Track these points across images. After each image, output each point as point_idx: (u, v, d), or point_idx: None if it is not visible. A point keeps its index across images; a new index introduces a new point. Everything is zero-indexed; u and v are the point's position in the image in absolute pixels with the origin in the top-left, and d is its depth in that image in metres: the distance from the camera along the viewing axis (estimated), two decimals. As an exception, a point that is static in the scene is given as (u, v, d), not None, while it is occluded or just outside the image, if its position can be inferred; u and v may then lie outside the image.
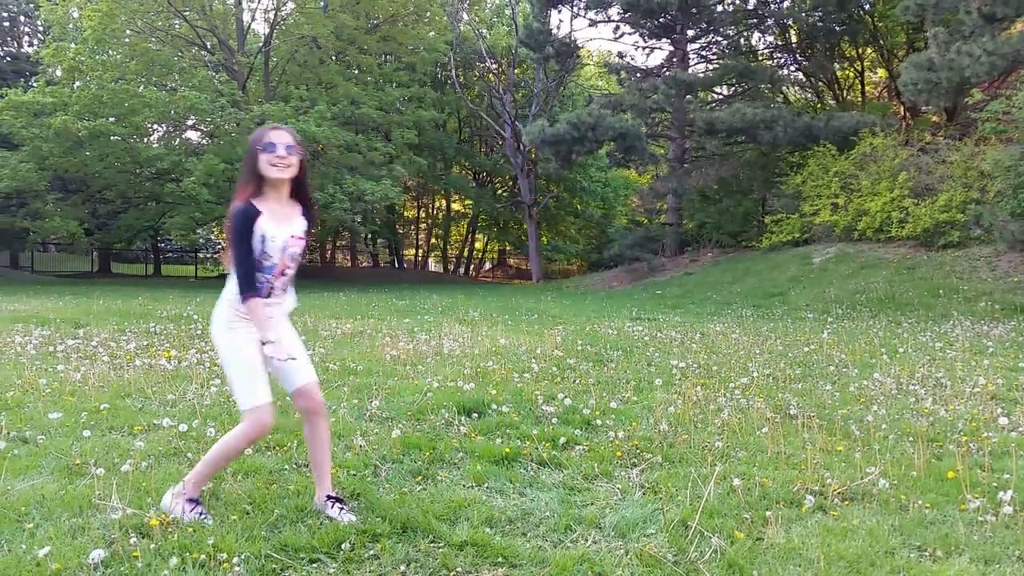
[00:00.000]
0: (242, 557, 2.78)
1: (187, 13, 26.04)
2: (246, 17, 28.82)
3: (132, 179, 26.99)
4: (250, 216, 3.04)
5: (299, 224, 3.18)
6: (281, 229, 3.09)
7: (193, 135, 30.02)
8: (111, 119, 24.35)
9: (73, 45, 25.86)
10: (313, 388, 3.26)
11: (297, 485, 3.56)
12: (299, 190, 3.20)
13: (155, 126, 28.23)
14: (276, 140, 3.05)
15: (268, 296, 3.13)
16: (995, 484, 3.65)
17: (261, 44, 28.46)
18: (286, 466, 3.87)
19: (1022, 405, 5.46)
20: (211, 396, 5.41)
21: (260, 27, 31.26)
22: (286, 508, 3.27)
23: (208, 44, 27.59)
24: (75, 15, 27.80)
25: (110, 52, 26.60)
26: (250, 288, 3.01)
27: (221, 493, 3.43)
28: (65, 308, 12.81)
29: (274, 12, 27.77)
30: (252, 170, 3.08)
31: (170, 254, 41.55)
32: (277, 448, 4.17)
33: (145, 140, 27.19)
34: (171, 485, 3.40)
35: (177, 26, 26.97)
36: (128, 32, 26.23)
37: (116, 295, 17.09)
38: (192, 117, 26.72)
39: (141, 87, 25.94)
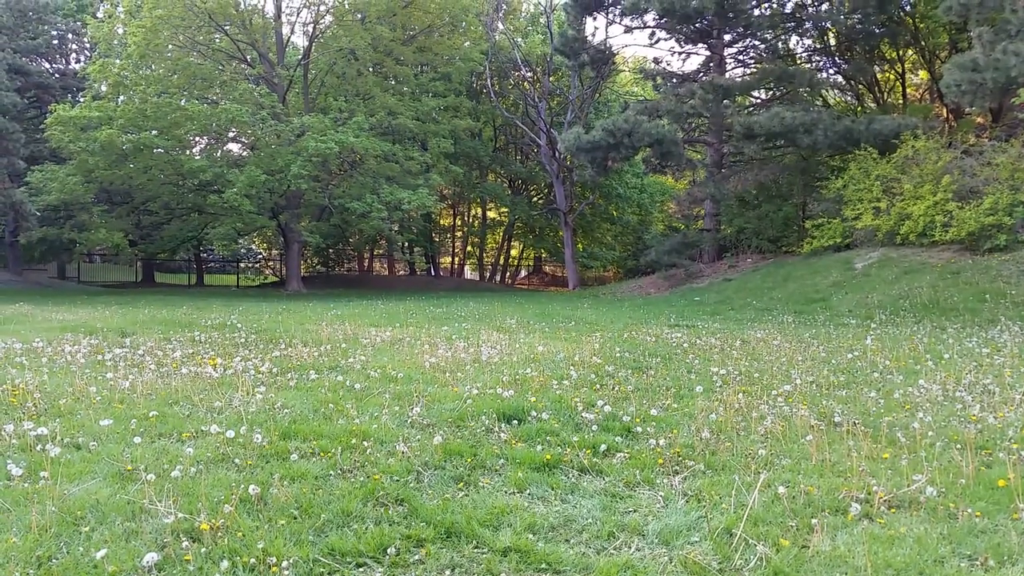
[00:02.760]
0: (291, 561, 2.83)
1: (228, 27, 26.52)
2: (285, 30, 29.27)
3: (175, 191, 27.53)
4: None
5: None
6: None
7: (234, 147, 30.55)
8: (154, 132, 24.88)
9: (118, 61, 26.48)
10: None
11: (342, 490, 3.61)
12: None
13: (197, 138, 28.73)
14: None
15: None
16: (1048, 493, 3.57)
17: (300, 57, 28.88)
18: (331, 472, 3.92)
19: (1075, 412, 5.32)
20: (257, 403, 5.50)
21: (299, 40, 31.76)
22: (332, 513, 3.32)
23: (248, 58, 28.06)
24: (120, 32, 28.48)
25: (153, 67, 27.17)
26: None
27: (269, 498, 3.49)
28: (112, 317, 13.10)
29: (313, 25, 28.17)
30: None
31: (212, 264, 42.23)
32: (322, 454, 4.23)
33: (188, 152, 27.68)
34: (219, 490, 3.48)
35: (218, 40, 27.47)
36: (171, 47, 26.77)
37: (161, 305, 17.43)
38: (233, 129, 27.18)
39: (183, 100, 26.46)
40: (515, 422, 5.10)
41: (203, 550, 2.91)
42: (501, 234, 42.10)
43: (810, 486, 3.71)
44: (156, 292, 26.82)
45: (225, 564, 2.78)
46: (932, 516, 3.39)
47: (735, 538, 3.05)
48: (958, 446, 4.44)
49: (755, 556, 2.92)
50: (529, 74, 34.02)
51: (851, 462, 4.09)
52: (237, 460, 4.09)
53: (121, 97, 26.71)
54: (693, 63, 63.93)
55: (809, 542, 3.06)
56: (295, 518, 3.27)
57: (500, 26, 34.40)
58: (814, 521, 3.20)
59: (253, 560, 2.81)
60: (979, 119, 23.75)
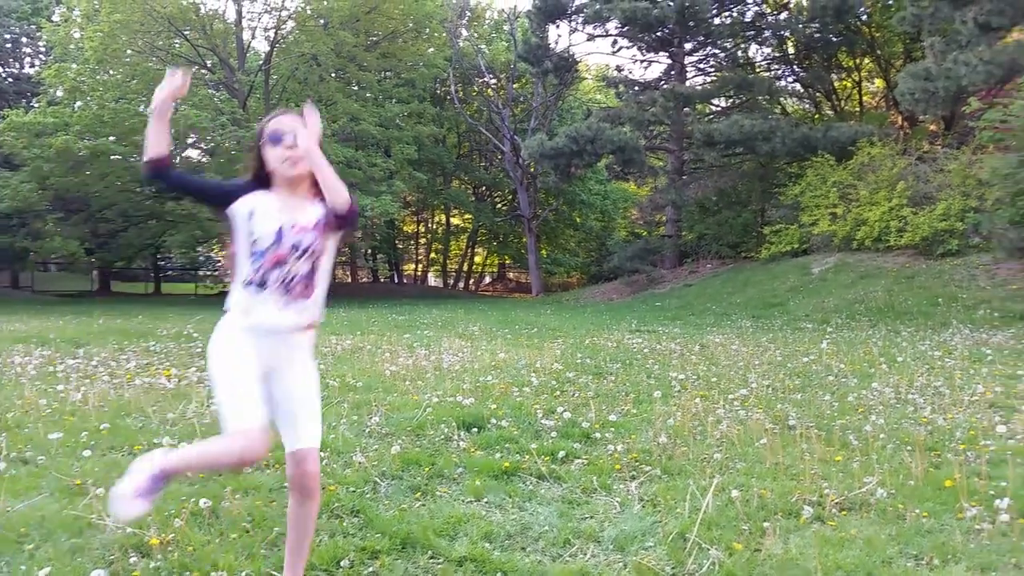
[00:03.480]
0: (243, 575, 2.79)
1: (188, 32, 26.16)
2: (246, 36, 28.96)
3: (132, 198, 27.04)
4: (238, 186, 2.59)
5: (310, 212, 2.56)
6: (281, 212, 2.53)
7: (194, 153, 30.15)
8: (112, 138, 24.41)
9: (74, 65, 25.98)
10: (306, 455, 2.62)
11: (296, 502, 3.57)
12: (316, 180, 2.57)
13: (156, 145, 28.30)
14: (284, 128, 2.55)
15: (261, 286, 2.51)
16: (992, 492, 3.66)
17: (261, 62, 28.59)
18: (285, 484, 3.86)
19: (1020, 413, 5.46)
20: (211, 414, 5.41)
21: (260, 45, 31.44)
22: (285, 526, 3.27)
23: (209, 63, 27.71)
24: (76, 36, 27.96)
25: (111, 72, 26.71)
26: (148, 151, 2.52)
27: (221, 511, 3.44)
28: (65, 328, 12.82)
29: (274, 30, 27.90)
30: (257, 165, 2.61)
31: (170, 272, 41.59)
32: (277, 466, 4.18)
33: (146, 159, 27.26)
34: (171, 504, 3.42)
35: (178, 45, 27.09)
36: (129, 52, 26.32)
37: (116, 314, 17.11)
38: (193, 135, 26.83)
39: (142, 106, 26.04)
40: (475, 430, 5.09)
41: (152, 565, 2.86)
42: (465, 241, 42.06)
43: (764, 489, 3.75)
44: (113, 301, 26.29)
45: (174, 579, 2.73)
46: (882, 517, 3.45)
47: (689, 543, 3.08)
48: (908, 448, 4.53)
49: (708, 560, 2.95)
50: (493, 81, 34.09)
51: (804, 465, 4.15)
52: (189, 472, 4.02)
53: (78, 102, 26.22)
54: (655, 71, 64.53)
55: (762, 545, 3.09)
56: (247, 531, 3.23)
57: (464, 33, 34.46)
58: (766, 524, 3.24)
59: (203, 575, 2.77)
60: (932, 127, 24.31)
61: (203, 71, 27.88)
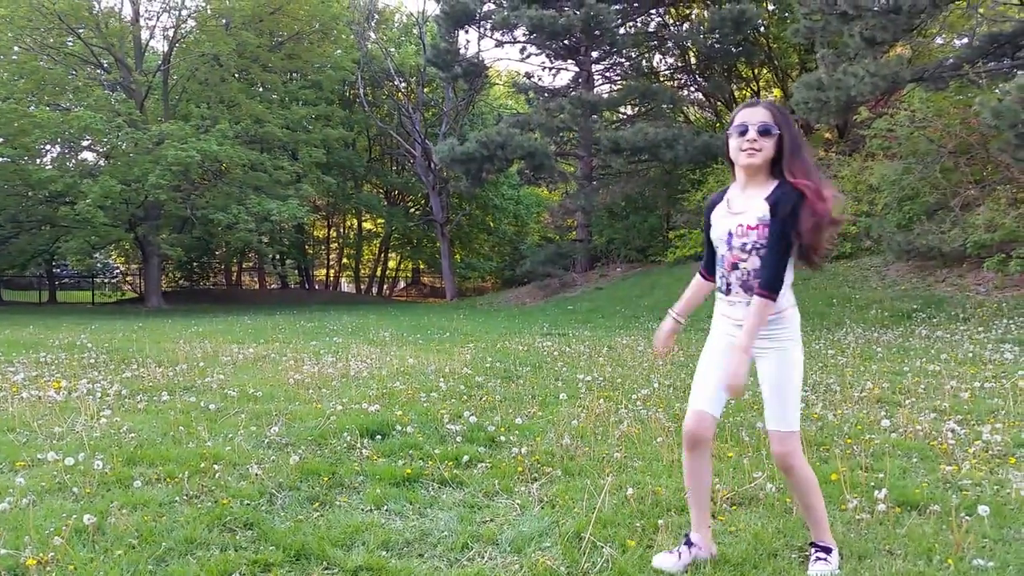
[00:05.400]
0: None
1: (81, 31, 25.07)
2: (144, 35, 27.97)
3: (23, 202, 25.70)
4: (706, 206, 3.00)
5: (752, 211, 2.75)
6: (727, 219, 2.83)
7: (89, 156, 28.88)
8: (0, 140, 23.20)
9: (-45, 63, 24.58)
10: (770, 436, 2.87)
11: (187, 516, 3.45)
12: (781, 168, 2.74)
13: (48, 147, 27.01)
14: (747, 120, 2.72)
15: (727, 293, 2.93)
16: (872, 484, 3.84)
17: (160, 62, 27.63)
18: (176, 498, 3.75)
19: (903, 408, 5.75)
20: (101, 428, 5.19)
21: (159, 44, 30.44)
22: (175, 540, 3.17)
23: (104, 63, 26.62)
24: (-44, 31, 26.40)
25: (-4, 70, 25.40)
26: (703, 270, 3.18)
27: (107, 528, 3.29)
28: (-54, 340, 12.08)
29: (174, 30, 27.03)
30: (727, 155, 2.87)
31: (66, 280, 39.67)
32: (168, 480, 4.04)
33: (38, 161, 25.98)
34: (52, 521, 3.26)
35: (70, 44, 25.94)
36: (16, 49, 25.08)
37: (5, 324, 16.22)
38: (87, 137, 25.71)
39: (32, 107, 24.81)
40: (379, 437, 5.03)
41: (27, 588, 2.72)
42: (378, 246, 41.65)
43: (658, 487, 3.84)
44: (3, 311, 24.90)
45: (51, 602, 2.61)
46: (770, 512, 3.57)
47: (584, 541, 3.12)
48: (798, 443, 4.70)
49: (602, 558, 3.00)
50: (403, 85, 33.90)
51: (699, 462, 4.26)
52: (75, 489, 3.84)
53: (-42, 101, 24.75)
54: (563, 78, 65.09)
55: (654, 542, 3.17)
56: (133, 547, 3.10)
57: (372, 35, 34.12)
58: (660, 521, 3.32)
59: (83, 596, 2.65)
60: (828, 135, 25.41)
61: (98, 71, 26.77)
